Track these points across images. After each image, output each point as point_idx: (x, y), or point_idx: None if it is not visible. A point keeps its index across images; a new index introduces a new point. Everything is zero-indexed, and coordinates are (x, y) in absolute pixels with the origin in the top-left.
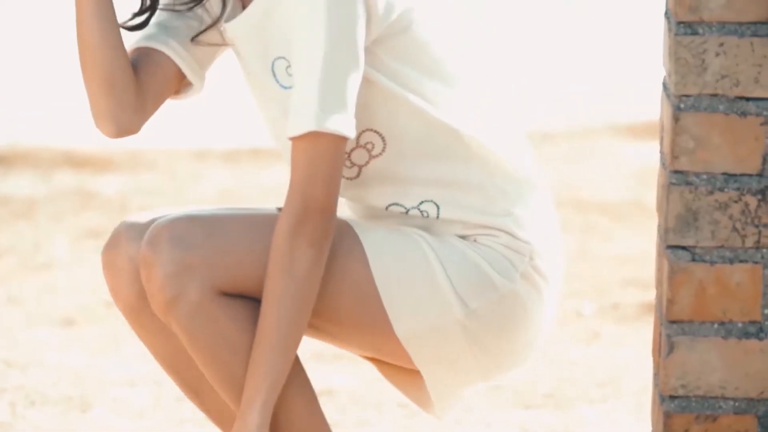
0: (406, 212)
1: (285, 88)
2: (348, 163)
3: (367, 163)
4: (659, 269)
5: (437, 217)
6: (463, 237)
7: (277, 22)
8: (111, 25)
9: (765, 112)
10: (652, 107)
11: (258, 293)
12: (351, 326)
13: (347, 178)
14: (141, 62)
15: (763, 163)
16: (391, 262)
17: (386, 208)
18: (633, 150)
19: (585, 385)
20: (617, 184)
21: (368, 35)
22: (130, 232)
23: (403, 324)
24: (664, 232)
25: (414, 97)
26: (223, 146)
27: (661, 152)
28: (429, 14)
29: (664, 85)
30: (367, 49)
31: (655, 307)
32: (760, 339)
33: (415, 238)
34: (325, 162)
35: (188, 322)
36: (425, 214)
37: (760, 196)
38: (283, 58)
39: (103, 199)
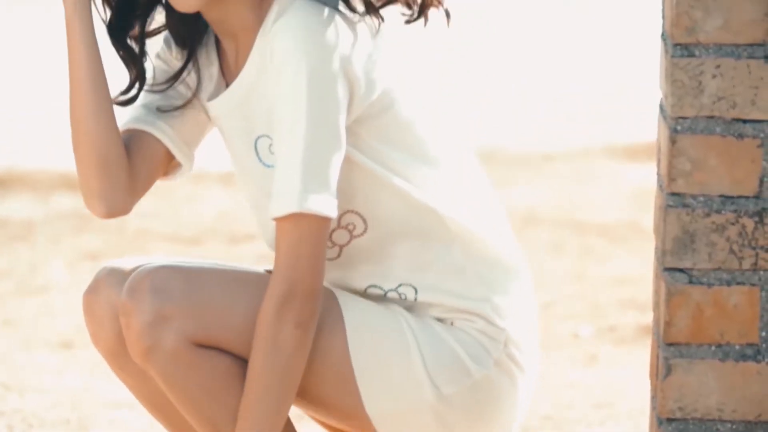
0: (384, 294)
1: (267, 166)
2: (329, 243)
3: (348, 243)
4: (656, 291)
5: (415, 300)
6: (440, 319)
7: (260, 101)
8: (106, 108)
9: (762, 134)
10: (650, 129)
11: (234, 350)
12: (324, 399)
13: (328, 259)
14: (131, 144)
15: (760, 185)
16: (370, 340)
17: (365, 290)
18: (630, 172)
19: (583, 408)
20: (615, 205)
21: (350, 114)
22: (111, 277)
23: (375, 404)
24: (661, 254)
25: (397, 179)
26: (220, 168)
27: (658, 174)
28: (411, 92)
29: (661, 107)
30: (349, 129)
31: (653, 329)
32: (758, 361)
33: (398, 318)
34: (309, 243)
35: (165, 370)
36: (403, 297)
37: (757, 218)
38: (266, 136)
39: (101, 222)
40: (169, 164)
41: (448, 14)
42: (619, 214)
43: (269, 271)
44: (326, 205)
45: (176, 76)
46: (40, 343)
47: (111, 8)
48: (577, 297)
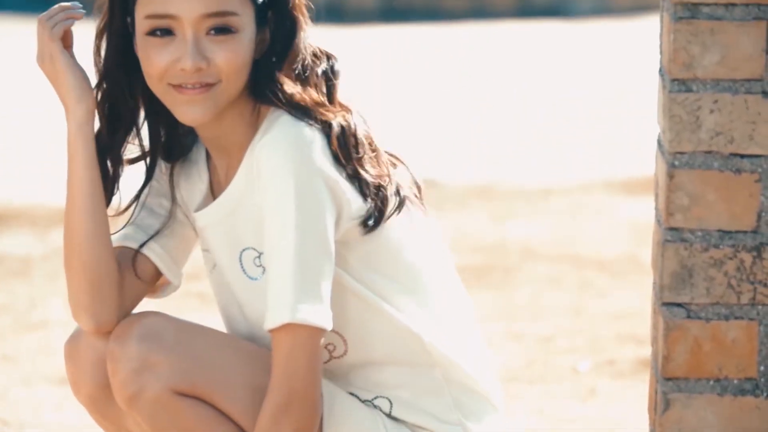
0: (361, 402)
1: (251, 279)
2: None
3: (328, 362)
4: (655, 326)
5: (389, 413)
6: None
7: (247, 214)
8: (102, 230)
9: (759, 169)
10: (648, 163)
11: (217, 405)
12: None
13: None
14: (120, 262)
15: (758, 220)
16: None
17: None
18: (628, 206)
19: None
20: (613, 240)
21: (338, 230)
22: None
23: None
24: (659, 289)
25: (384, 304)
26: None
27: (656, 209)
28: (399, 220)
29: (659, 142)
30: (339, 254)
31: (651, 363)
32: (756, 396)
33: (377, 418)
34: (303, 354)
35: (150, 417)
36: (377, 408)
37: (755, 253)
38: (252, 248)
39: None
40: (156, 281)
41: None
42: (617, 249)
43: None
44: (319, 316)
45: (173, 199)
46: (39, 379)
47: (105, 124)
48: (576, 331)
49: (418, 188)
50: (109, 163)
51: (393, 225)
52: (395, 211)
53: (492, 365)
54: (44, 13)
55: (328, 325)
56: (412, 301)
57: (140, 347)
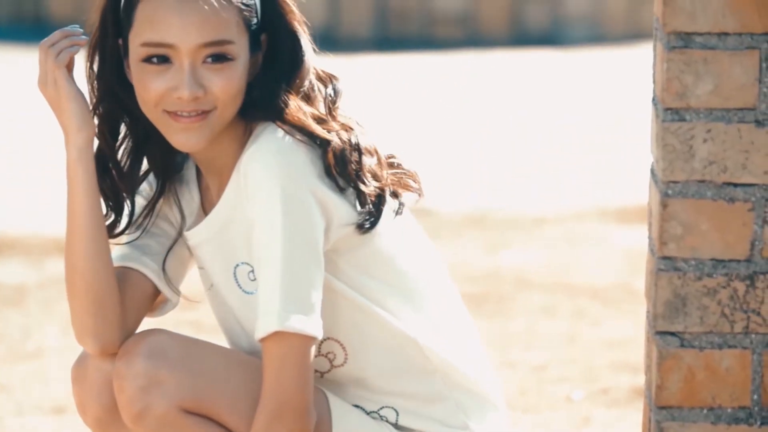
0: (367, 415)
1: (247, 293)
2: None
3: (329, 371)
4: (648, 355)
5: (396, 422)
6: None
7: (238, 228)
8: (103, 253)
9: (753, 198)
10: (641, 192)
11: (223, 422)
12: None
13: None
14: (119, 283)
15: (752, 249)
16: None
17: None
18: (622, 234)
19: None
20: (607, 268)
21: (327, 239)
22: None
23: None
24: (652, 318)
25: (378, 308)
26: None
27: (650, 238)
28: (393, 225)
29: (652, 171)
30: (329, 259)
31: (645, 392)
32: (750, 425)
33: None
34: (294, 362)
35: None
36: (384, 419)
37: (748, 282)
38: (246, 263)
39: None
40: (155, 300)
41: (420, 194)
42: (611, 277)
43: None
44: (308, 324)
45: (151, 207)
46: (33, 408)
47: (106, 145)
48: (570, 360)
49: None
50: (118, 183)
51: (387, 230)
52: (396, 214)
53: (490, 365)
54: (46, 39)
55: (318, 334)
56: (407, 306)
57: (146, 365)
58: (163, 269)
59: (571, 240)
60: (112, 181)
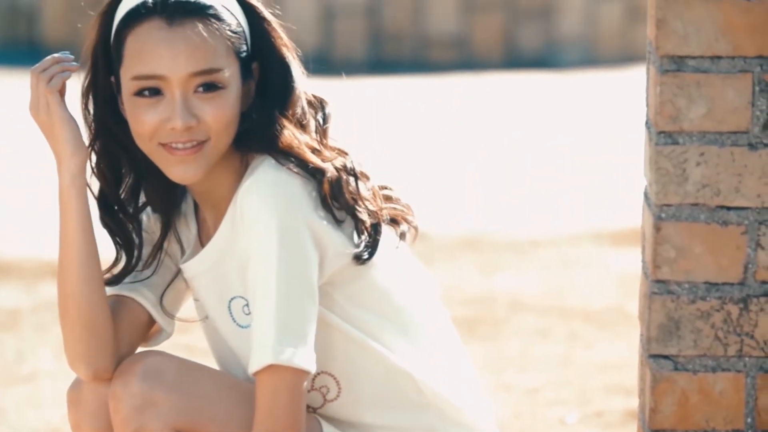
0: None
1: (241, 327)
2: None
3: (322, 406)
4: (642, 378)
5: None
6: None
7: (234, 261)
8: (96, 279)
9: (746, 221)
10: (635, 215)
11: None
12: None
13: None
14: (115, 310)
15: (745, 272)
16: None
17: None
18: (616, 257)
19: None
20: (601, 291)
21: (322, 273)
22: None
23: None
24: (646, 341)
25: (372, 342)
26: None
27: (643, 261)
28: (388, 259)
29: (645, 194)
30: (324, 292)
31: (638, 415)
32: None
33: None
34: (286, 396)
35: None
36: None
37: (742, 305)
38: (241, 297)
39: None
40: (150, 329)
41: (416, 229)
42: (605, 300)
43: None
44: (301, 358)
45: (159, 246)
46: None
47: (105, 182)
48: (564, 382)
49: (410, 217)
50: (123, 220)
51: (383, 262)
52: (395, 245)
53: (484, 396)
54: (38, 65)
55: (312, 368)
56: (402, 339)
57: (142, 386)
58: (161, 301)
59: (565, 263)
60: (117, 219)
